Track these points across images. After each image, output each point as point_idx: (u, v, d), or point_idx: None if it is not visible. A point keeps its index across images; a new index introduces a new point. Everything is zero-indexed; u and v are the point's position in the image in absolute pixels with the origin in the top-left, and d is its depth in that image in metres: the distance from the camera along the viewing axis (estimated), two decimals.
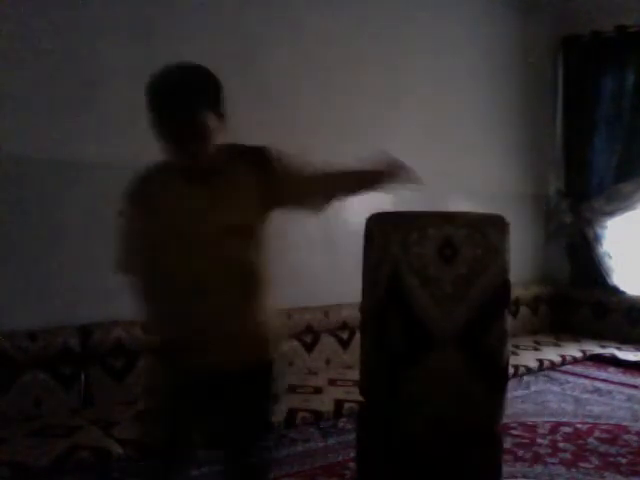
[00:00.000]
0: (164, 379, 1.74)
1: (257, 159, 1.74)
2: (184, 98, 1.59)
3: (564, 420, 3.35)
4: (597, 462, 2.81)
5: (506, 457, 2.44)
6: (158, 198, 1.68)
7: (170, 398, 1.72)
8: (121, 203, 1.71)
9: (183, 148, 1.61)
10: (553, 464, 2.79)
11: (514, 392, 3.67)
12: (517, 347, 4.40)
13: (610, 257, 4.97)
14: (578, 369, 4.29)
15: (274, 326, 1.83)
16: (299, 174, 1.79)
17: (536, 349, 4.48)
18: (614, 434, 3.15)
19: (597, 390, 3.88)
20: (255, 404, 1.77)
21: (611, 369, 4.28)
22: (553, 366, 4.23)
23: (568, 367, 4.29)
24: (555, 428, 3.22)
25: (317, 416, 3.06)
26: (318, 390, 3.34)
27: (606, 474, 2.69)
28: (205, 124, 1.60)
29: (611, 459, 2.85)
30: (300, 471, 2.65)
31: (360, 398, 2.15)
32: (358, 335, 2.21)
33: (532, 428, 3.21)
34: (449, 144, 4.49)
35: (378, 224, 2.03)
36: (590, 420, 3.35)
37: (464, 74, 4.60)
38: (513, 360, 3.41)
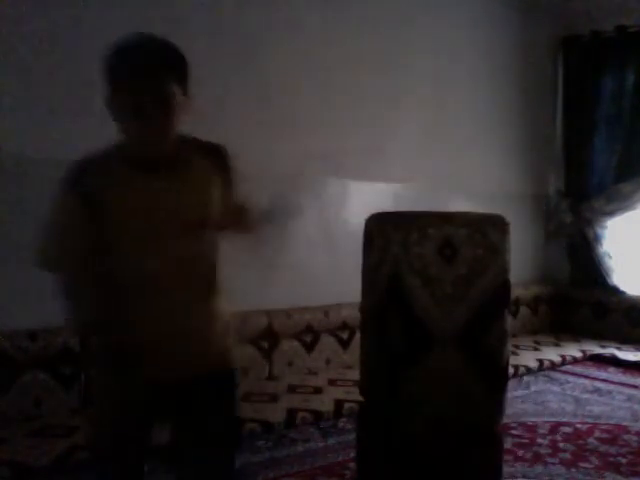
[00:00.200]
0: (118, 384, 1.59)
1: (218, 157, 1.62)
2: (152, 66, 1.45)
3: (564, 420, 3.35)
4: (597, 462, 2.81)
5: (506, 457, 2.44)
6: (105, 188, 1.49)
7: (125, 403, 1.59)
8: (57, 192, 1.54)
9: (146, 124, 1.44)
10: (553, 464, 2.79)
11: (514, 392, 3.67)
12: (517, 347, 4.40)
13: (610, 257, 4.98)
14: (578, 369, 4.28)
15: (231, 327, 1.70)
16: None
17: (536, 349, 4.49)
18: (614, 434, 3.14)
19: (597, 390, 3.88)
20: (221, 409, 1.63)
21: (611, 369, 4.28)
22: (553, 366, 4.23)
23: (568, 367, 4.29)
24: (555, 428, 3.22)
25: (317, 416, 3.06)
26: (318, 390, 3.34)
27: (606, 474, 2.69)
28: (172, 97, 1.46)
29: (611, 459, 2.84)
30: (300, 471, 2.64)
31: (360, 398, 2.15)
32: (358, 335, 2.21)
33: (532, 428, 3.21)
34: (449, 144, 4.49)
35: (378, 224, 2.02)
36: (590, 420, 3.34)
37: (464, 74, 4.60)
38: (513, 360, 3.41)
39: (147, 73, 1.44)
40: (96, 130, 2.95)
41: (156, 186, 1.51)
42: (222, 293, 1.65)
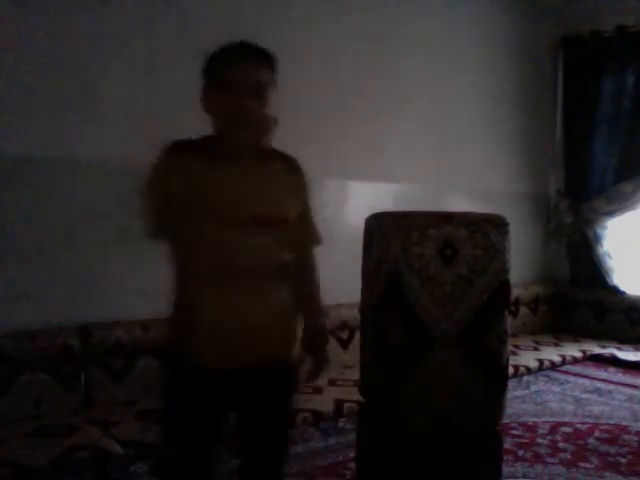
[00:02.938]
0: (196, 366, 1.64)
1: (295, 170, 1.78)
2: (257, 57, 1.69)
3: (564, 420, 3.35)
4: (597, 462, 2.81)
5: (506, 457, 2.44)
6: (196, 169, 1.61)
7: (199, 389, 1.64)
8: (155, 160, 1.63)
9: (246, 112, 1.62)
10: (553, 464, 2.79)
11: (514, 392, 3.68)
12: (517, 347, 4.40)
13: (610, 257, 4.98)
14: (578, 369, 4.29)
15: (297, 324, 1.82)
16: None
17: (536, 349, 4.48)
18: (614, 434, 3.15)
19: (597, 390, 3.88)
20: (280, 404, 1.75)
21: (611, 369, 4.29)
22: (553, 366, 4.23)
23: (568, 367, 4.29)
24: (555, 428, 3.22)
25: (317, 416, 3.06)
26: (318, 390, 3.34)
27: (606, 474, 2.69)
28: (270, 90, 1.70)
29: (611, 459, 2.85)
30: (300, 471, 2.65)
31: (360, 398, 2.14)
32: (358, 335, 2.21)
33: (532, 428, 3.21)
34: (449, 144, 4.49)
35: (378, 224, 2.02)
36: (590, 420, 3.35)
37: (464, 74, 4.60)
38: (513, 360, 3.41)
39: (257, 62, 1.69)
40: (96, 130, 2.97)
41: (238, 177, 1.63)
42: (290, 289, 1.76)
